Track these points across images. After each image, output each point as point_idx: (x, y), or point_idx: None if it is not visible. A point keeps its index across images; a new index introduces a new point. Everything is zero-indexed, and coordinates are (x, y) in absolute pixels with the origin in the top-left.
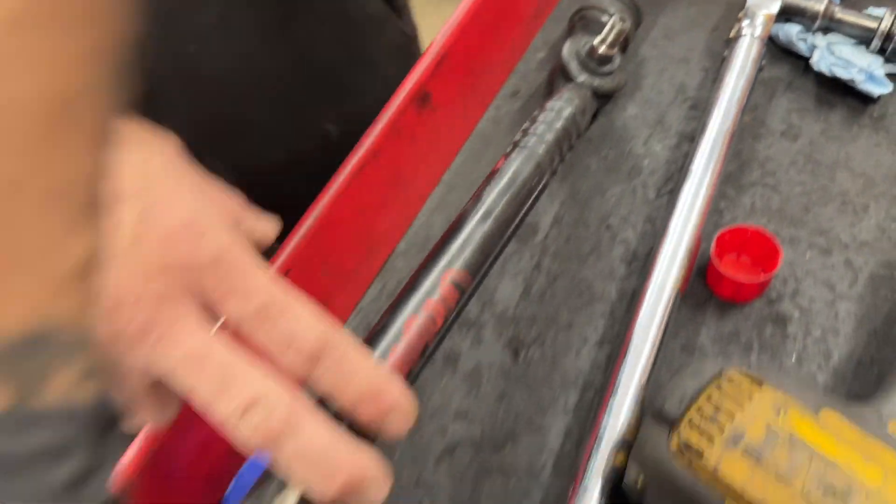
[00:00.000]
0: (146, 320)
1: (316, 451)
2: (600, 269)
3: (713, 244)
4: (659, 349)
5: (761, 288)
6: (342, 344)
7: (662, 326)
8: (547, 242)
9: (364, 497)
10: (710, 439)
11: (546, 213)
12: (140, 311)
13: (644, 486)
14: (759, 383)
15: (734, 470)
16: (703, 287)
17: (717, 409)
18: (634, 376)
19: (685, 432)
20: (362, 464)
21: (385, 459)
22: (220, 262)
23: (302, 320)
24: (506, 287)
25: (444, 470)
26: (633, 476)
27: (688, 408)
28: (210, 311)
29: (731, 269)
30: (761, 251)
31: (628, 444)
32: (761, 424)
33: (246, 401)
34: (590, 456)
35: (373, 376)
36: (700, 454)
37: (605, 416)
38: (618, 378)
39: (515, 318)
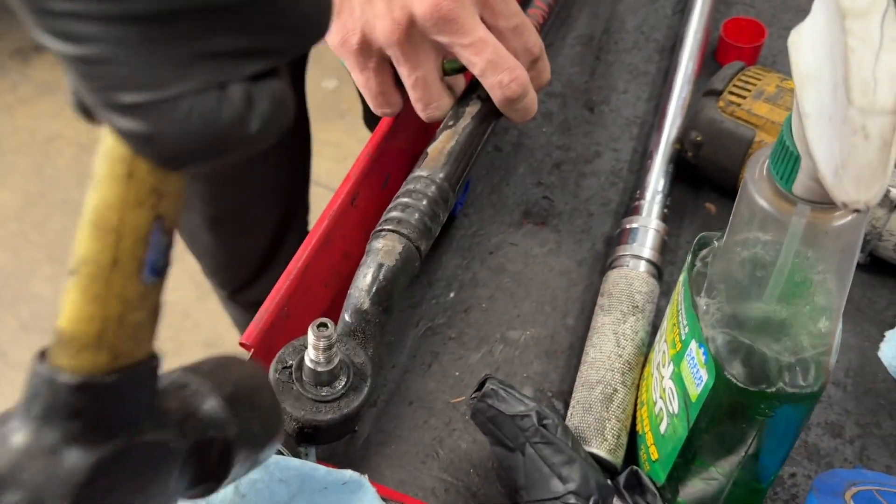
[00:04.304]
0: (453, 9)
1: (531, 104)
2: (641, 57)
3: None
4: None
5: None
6: (545, 56)
7: (690, 82)
8: (601, 43)
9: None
10: (744, 96)
11: (598, 26)
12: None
13: (701, 143)
14: (768, 70)
15: (761, 110)
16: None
17: (746, 81)
18: (677, 105)
19: (728, 96)
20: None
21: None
22: None
23: (533, 36)
24: (575, 69)
25: (556, 174)
26: (692, 138)
27: (728, 83)
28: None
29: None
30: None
31: (679, 137)
32: (774, 84)
33: (509, 76)
34: (657, 146)
35: (546, 79)
36: (739, 105)
37: (663, 129)
38: (667, 109)
39: (587, 88)
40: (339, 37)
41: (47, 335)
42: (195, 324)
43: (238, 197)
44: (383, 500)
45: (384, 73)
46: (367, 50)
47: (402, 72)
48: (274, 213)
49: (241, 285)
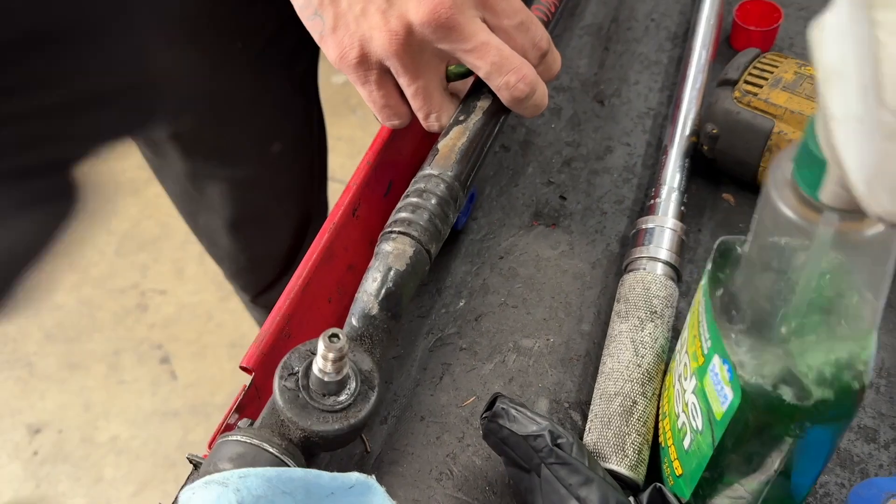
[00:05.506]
0: (452, 16)
1: (541, 100)
2: (652, 45)
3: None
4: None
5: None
6: (553, 49)
7: (704, 71)
8: (610, 32)
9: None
10: (761, 85)
11: (607, 14)
12: (450, 9)
13: (717, 135)
14: (785, 56)
15: (779, 99)
16: (727, 48)
17: (762, 69)
18: (691, 95)
19: (744, 86)
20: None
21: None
22: None
23: (539, 31)
24: (583, 60)
25: (567, 172)
26: (708, 131)
27: (743, 72)
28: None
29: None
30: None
31: (695, 129)
32: (792, 71)
33: (515, 77)
34: (672, 140)
35: (556, 70)
36: (755, 94)
37: (677, 121)
38: (681, 100)
39: (597, 81)
40: (336, 52)
41: (72, 345)
42: (218, 325)
43: (257, 199)
44: None
45: (387, 85)
46: (366, 63)
47: (403, 82)
48: (293, 214)
49: (263, 288)
